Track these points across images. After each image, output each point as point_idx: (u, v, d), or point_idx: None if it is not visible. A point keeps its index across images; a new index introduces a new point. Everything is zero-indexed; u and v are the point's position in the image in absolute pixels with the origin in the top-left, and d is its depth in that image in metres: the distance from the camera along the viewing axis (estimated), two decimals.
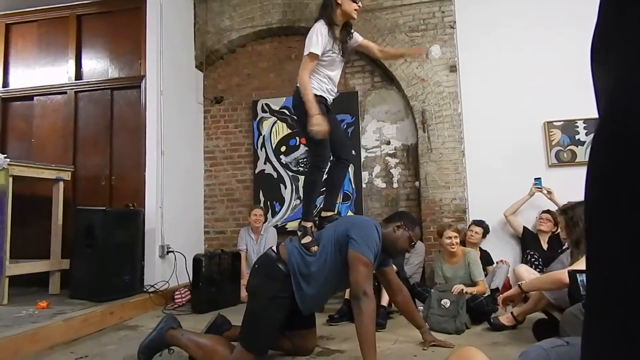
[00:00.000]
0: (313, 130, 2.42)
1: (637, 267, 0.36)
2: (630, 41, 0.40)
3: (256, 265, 2.45)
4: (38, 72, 4.80)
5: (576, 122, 4.29)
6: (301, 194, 4.85)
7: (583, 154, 4.25)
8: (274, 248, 2.45)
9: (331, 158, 2.79)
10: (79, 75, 4.70)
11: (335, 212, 2.89)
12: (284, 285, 2.28)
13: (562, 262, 2.77)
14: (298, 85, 2.65)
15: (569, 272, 1.71)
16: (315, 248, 2.36)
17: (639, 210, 0.35)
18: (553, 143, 4.33)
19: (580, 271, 1.64)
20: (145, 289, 3.93)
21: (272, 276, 2.30)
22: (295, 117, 2.86)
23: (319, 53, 2.55)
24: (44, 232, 3.95)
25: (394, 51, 3.03)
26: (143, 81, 4.39)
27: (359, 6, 2.64)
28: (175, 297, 3.99)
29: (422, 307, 3.31)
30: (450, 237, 3.46)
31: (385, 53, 3.04)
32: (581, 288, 1.58)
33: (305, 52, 2.56)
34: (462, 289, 3.15)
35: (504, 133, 4.40)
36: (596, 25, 0.47)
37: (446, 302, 3.07)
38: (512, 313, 2.95)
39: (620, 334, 0.37)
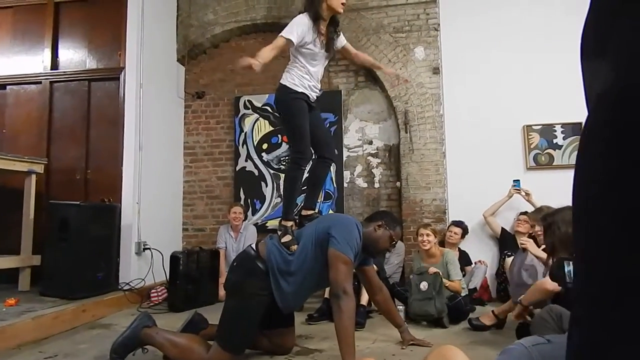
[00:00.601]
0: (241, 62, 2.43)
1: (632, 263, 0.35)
2: (628, 32, 0.39)
3: (235, 263, 2.41)
4: (12, 60, 4.63)
5: (554, 127, 4.37)
6: (282, 192, 4.84)
7: (560, 157, 4.34)
8: (253, 246, 2.42)
9: (314, 156, 2.78)
10: (55, 65, 4.55)
11: (316, 211, 2.88)
12: (262, 283, 2.25)
13: (517, 264, 2.85)
14: (281, 82, 2.65)
15: (556, 259, 1.75)
16: (294, 247, 2.34)
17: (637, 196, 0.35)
18: (532, 146, 4.40)
19: (567, 258, 1.67)
20: (120, 287, 3.83)
21: (251, 274, 2.27)
22: (277, 114, 2.84)
23: (293, 41, 2.53)
24: (15, 226, 3.81)
25: (370, 59, 3.02)
26: (122, 73, 4.27)
27: (345, 0, 2.62)
28: (152, 295, 3.91)
29: (401, 307, 3.32)
30: (422, 235, 3.49)
31: (359, 57, 2.97)
32: (567, 278, 1.60)
33: (280, 34, 2.55)
34: (438, 271, 3.22)
35: (485, 135, 4.45)
36: (586, 22, 0.47)
37: (425, 285, 3.16)
38: (492, 311, 2.98)
39: (613, 324, 0.36)
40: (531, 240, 2.87)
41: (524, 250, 2.81)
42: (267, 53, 2.47)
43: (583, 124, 0.44)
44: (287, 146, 4.86)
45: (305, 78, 2.62)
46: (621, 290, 0.35)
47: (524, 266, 2.74)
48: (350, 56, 2.97)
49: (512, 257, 3.80)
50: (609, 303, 0.37)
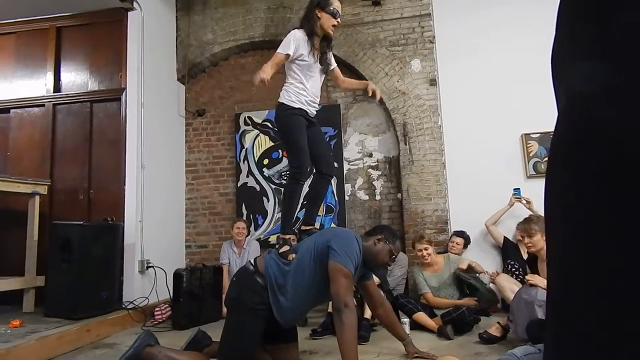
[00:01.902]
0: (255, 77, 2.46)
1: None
2: (590, 43, 0.41)
3: (234, 279, 2.43)
4: (15, 84, 4.72)
5: (552, 134, 4.38)
6: (281, 206, 4.86)
7: None
8: (252, 261, 2.43)
9: (313, 171, 2.81)
10: (57, 87, 4.63)
11: (316, 226, 2.90)
12: (261, 298, 2.25)
13: (524, 297, 2.71)
14: (279, 100, 2.71)
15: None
16: (292, 256, 2.36)
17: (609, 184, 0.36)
18: (531, 154, 4.42)
19: None
20: (123, 305, 3.83)
21: (250, 289, 2.28)
22: (276, 130, 2.91)
23: (289, 53, 2.61)
24: (19, 247, 3.84)
25: (355, 82, 3.18)
26: (123, 94, 4.34)
27: (337, 22, 2.73)
28: (155, 313, 3.91)
29: (406, 320, 3.31)
30: (421, 250, 3.49)
31: (345, 83, 3.10)
32: None
33: (277, 51, 2.65)
34: (466, 264, 3.58)
35: (484, 145, 4.48)
36: (554, 39, 0.49)
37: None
38: (499, 322, 2.96)
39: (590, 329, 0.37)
40: (536, 276, 2.76)
41: (531, 285, 2.68)
42: (268, 69, 2.53)
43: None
44: (288, 161, 4.90)
45: (301, 94, 2.67)
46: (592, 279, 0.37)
47: (537, 302, 2.57)
48: (337, 82, 3.07)
49: (503, 275, 3.75)
50: (585, 292, 0.38)
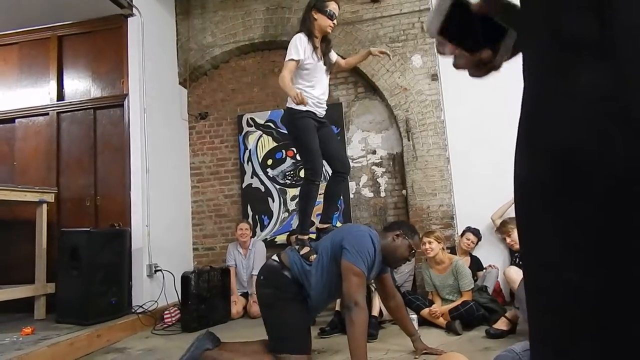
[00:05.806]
0: (293, 100, 2.51)
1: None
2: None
3: (262, 277, 2.51)
4: (19, 94, 4.76)
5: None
6: (289, 207, 4.88)
7: None
8: (276, 258, 2.52)
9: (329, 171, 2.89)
10: (61, 96, 4.67)
11: (332, 224, 2.96)
12: (296, 289, 2.39)
13: None
14: (287, 105, 2.78)
15: None
16: (314, 257, 2.44)
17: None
18: None
19: None
20: (133, 310, 3.86)
21: (282, 283, 2.39)
22: (288, 135, 3.01)
23: (299, 59, 2.66)
24: (28, 256, 3.88)
25: (357, 56, 3.22)
26: (126, 100, 4.37)
27: (333, 23, 2.79)
28: (165, 316, 3.93)
29: (414, 316, 3.30)
30: (424, 243, 3.47)
31: (350, 62, 3.17)
32: None
33: (286, 59, 2.69)
34: None
35: (487, 137, 4.44)
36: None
37: None
38: (505, 316, 2.95)
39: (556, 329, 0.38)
40: None
41: None
42: (288, 80, 2.60)
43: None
44: (292, 161, 4.92)
45: (308, 97, 2.69)
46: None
47: None
48: (343, 67, 3.15)
49: (512, 267, 3.72)
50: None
